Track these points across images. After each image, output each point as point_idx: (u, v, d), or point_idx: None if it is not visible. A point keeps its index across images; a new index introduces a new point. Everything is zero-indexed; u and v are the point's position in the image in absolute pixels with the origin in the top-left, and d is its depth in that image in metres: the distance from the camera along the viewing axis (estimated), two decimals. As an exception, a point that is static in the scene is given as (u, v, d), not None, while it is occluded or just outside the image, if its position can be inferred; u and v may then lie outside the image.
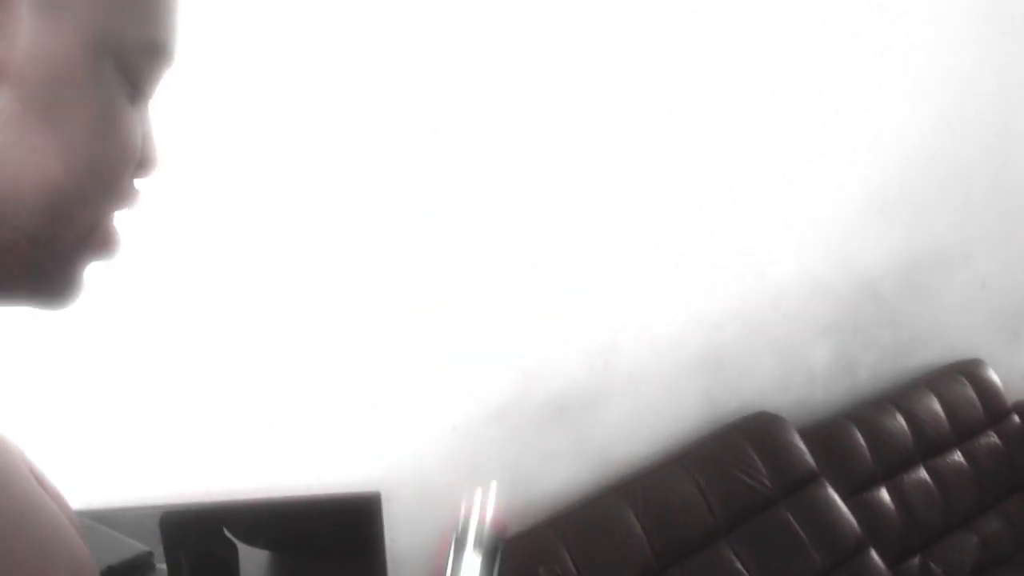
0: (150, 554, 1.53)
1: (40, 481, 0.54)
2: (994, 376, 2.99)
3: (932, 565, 2.45)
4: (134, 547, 1.54)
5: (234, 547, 1.51)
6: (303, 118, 1.63)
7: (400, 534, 1.77)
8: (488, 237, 1.90)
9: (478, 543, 0.77)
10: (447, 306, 1.86)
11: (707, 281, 2.33)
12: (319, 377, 1.71)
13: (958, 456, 2.75)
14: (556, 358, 2.05)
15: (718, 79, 2.24)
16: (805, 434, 2.44)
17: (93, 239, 0.50)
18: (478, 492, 0.80)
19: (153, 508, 1.47)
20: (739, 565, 2.12)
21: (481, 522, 0.77)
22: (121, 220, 0.51)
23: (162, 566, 1.53)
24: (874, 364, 2.82)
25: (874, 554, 2.33)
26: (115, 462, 1.53)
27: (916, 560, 2.46)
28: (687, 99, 2.19)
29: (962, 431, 2.79)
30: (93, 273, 0.50)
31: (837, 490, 2.38)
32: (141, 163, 0.52)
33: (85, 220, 0.48)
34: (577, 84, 1.97)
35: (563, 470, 2.10)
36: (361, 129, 1.69)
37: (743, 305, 2.43)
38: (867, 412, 2.64)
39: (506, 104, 1.87)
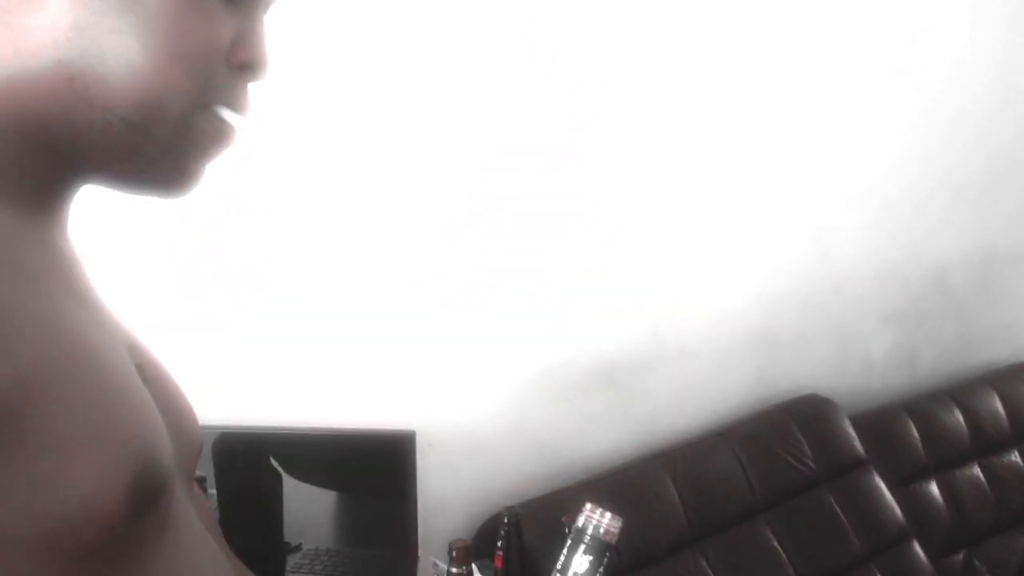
0: (203, 478, 1.61)
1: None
2: (1063, 379, 2.91)
3: (977, 563, 2.41)
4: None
5: (279, 476, 1.59)
6: (358, 74, 1.67)
7: (440, 479, 1.83)
8: (547, 201, 1.92)
9: (590, 547, 0.83)
10: (504, 267, 1.89)
11: (768, 258, 2.32)
12: (377, 324, 1.76)
13: (1015, 457, 2.69)
14: (607, 324, 2.07)
15: (788, 54, 2.22)
16: (856, 421, 2.42)
17: (197, 131, 0.52)
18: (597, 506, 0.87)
19: (208, 428, 1.54)
20: (775, 543, 2.12)
21: (597, 528, 0.83)
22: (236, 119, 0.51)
23: (213, 491, 1.62)
24: (936, 357, 2.77)
25: (916, 546, 2.30)
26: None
27: (961, 556, 2.42)
28: (760, 73, 2.17)
29: (1022, 432, 2.72)
30: (212, 166, 0.52)
31: (885, 479, 2.35)
32: (245, 63, 0.53)
33: (176, 108, 0.50)
34: (649, 55, 1.98)
35: (606, 435, 2.12)
36: (415, 85, 1.73)
37: (804, 285, 2.41)
38: (923, 404, 2.60)
39: (573, 66, 1.89)
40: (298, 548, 1.62)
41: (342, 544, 1.61)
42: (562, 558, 0.77)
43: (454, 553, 1.30)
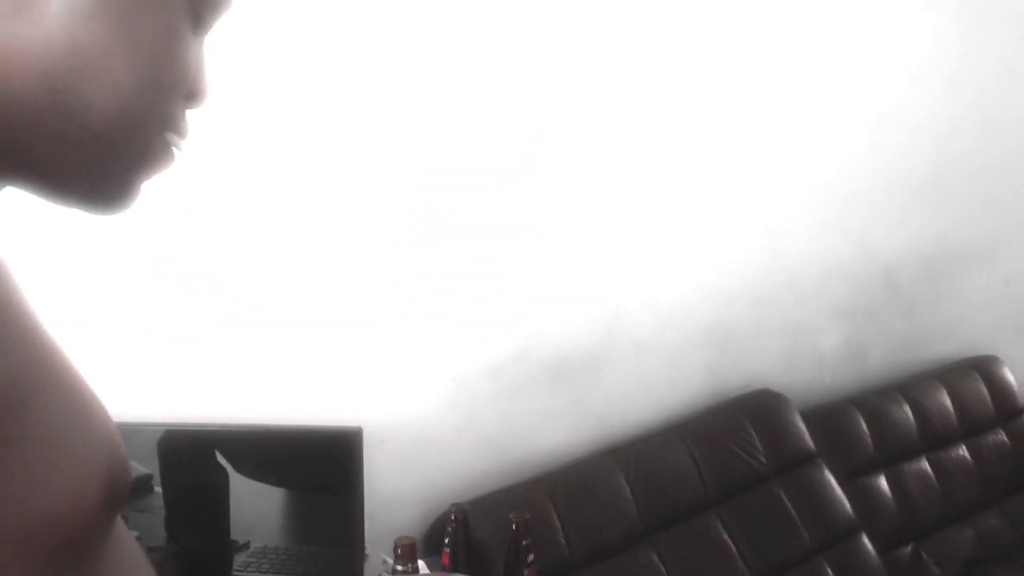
0: (149, 476, 1.59)
1: None
2: (1010, 375, 2.96)
3: (924, 555, 2.45)
4: (134, 468, 1.60)
5: (226, 473, 1.57)
6: (323, 55, 1.66)
7: (391, 476, 1.82)
8: (498, 197, 1.92)
9: None
10: (454, 261, 1.89)
11: (720, 255, 2.34)
12: (320, 318, 1.75)
13: (963, 451, 2.74)
14: (559, 319, 2.07)
15: (740, 51, 2.23)
16: (807, 416, 2.45)
17: (152, 154, 0.54)
18: None
19: (152, 426, 1.53)
20: (726, 537, 2.15)
21: None
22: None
23: (159, 489, 1.60)
24: (886, 353, 2.81)
25: (865, 539, 2.34)
26: (117, 378, 1.58)
27: (908, 549, 2.46)
28: (711, 72, 2.19)
29: (970, 426, 2.77)
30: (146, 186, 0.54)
31: (834, 473, 2.39)
32: (193, 93, 0.55)
33: (146, 131, 0.52)
34: (594, 52, 1.99)
35: (558, 430, 2.13)
36: (374, 77, 1.72)
37: (755, 281, 2.44)
38: (873, 399, 2.63)
39: (519, 64, 1.89)
40: (246, 546, 1.61)
41: (290, 541, 1.60)
42: None
43: (399, 551, 1.30)
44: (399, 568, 1.29)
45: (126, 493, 0.53)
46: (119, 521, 0.58)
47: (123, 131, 0.50)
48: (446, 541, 1.32)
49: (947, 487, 2.63)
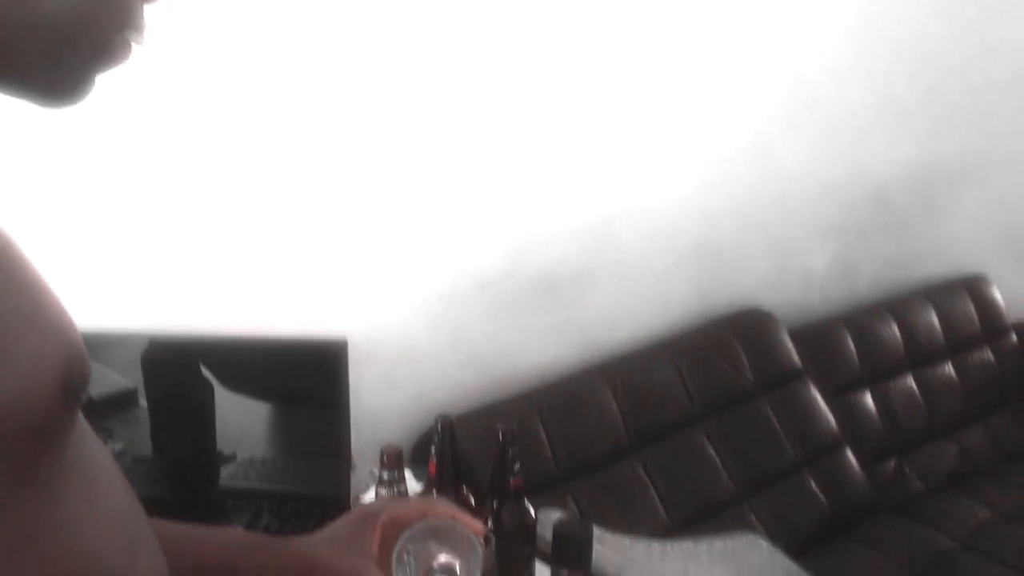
0: (135, 390, 1.58)
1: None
2: (997, 294, 2.97)
3: (907, 469, 2.49)
4: (118, 382, 1.59)
5: (210, 386, 1.56)
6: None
7: (377, 391, 1.82)
8: (488, 109, 1.88)
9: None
10: (442, 175, 1.86)
11: (708, 172, 2.31)
12: (307, 230, 1.73)
13: (949, 368, 2.76)
14: (547, 235, 2.05)
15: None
16: (795, 334, 2.45)
17: (111, 50, 0.52)
18: None
19: (136, 335, 1.51)
20: (711, 450, 2.17)
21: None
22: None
23: (144, 403, 1.59)
24: (875, 272, 2.81)
25: (849, 453, 2.37)
26: (101, 285, 1.56)
27: (892, 463, 2.50)
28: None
29: (956, 344, 2.79)
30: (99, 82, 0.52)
31: (820, 390, 2.40)
32: None
33: (104, 26, 0.50)
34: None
35: (545, 347, 2.12)
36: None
37: (745, 199, 2.41)
38: (861, 317, 2.64)
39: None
40: (232, 457, 1.61)
41: (277, 453, 1.61)
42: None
43: (385, 458, 1.30)
44: (385, 476, 1.29)
45: (83, 384, 0.53)
46: (83, 423, 0.59)
47: (80, 23, 0.49)
48: (432, 452, 1.32)
49: (932, 404, 2.65)
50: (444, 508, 0.85)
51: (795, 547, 2.06)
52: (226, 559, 0.80)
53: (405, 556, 0.79)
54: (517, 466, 1.29)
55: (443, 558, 0.78)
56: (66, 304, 0.54)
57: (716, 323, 2.37)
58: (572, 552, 1.32)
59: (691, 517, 2.04)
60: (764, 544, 1.94)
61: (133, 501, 0.63)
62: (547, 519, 1.42)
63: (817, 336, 2.52)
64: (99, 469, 0.59)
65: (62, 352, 0.50)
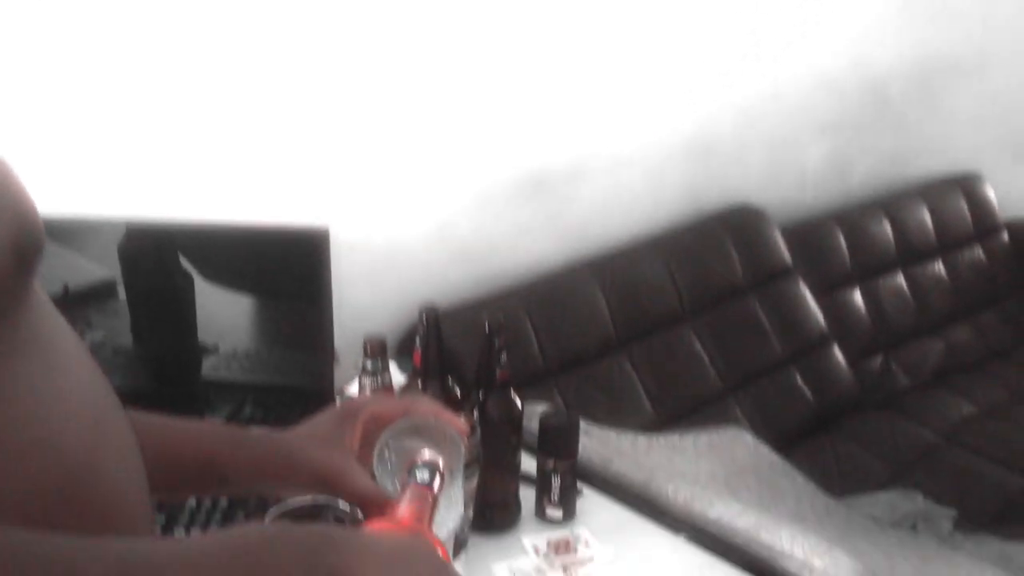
0: (112, 281, 1.55)
1: None
2: (991, 192, 2.94)
3: (893, 365, 2.50)
4: (96, 273, 1.56)
5: (190, 277, 1.52)
6: None
7: (362, 286, 1.79)
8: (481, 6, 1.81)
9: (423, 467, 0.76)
10: (432, 69, 1.79)
11: (704, 67, 2.24)
12: (293, 115, 1.67)
13: (939, 266, 2.75)
14: (538, 129, 1.99)
15: None
16: (786, 231, 2.43)
17: None
18: None
19: (112, 223, 1.47)
20: (699, 347, 2.16)
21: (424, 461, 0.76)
22: None
23: (122, 298, 1.55)
24: (869, 169, 2.77)
25: (836, 350, 2.37)
26: (77, 170, 1.51)
27: (878, 360, 2.50)
28: None
29: (947, 242, 2.77)
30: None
31: (810, 288, 2.39)
32: None
33: None
34: None
35: (534, 242, 2.09)
36: None
37: (741, 95, 2.35)
38: (853, 214, 2.62)
39: None
40: (215, 349, 1.58)
41: (260, 345, 1.58)
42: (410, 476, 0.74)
43: (368, 347, 1.27)
44: (368, 366, 1.27)
45: (36, 253, 0.52)
46: (44, 300, 0.57)
47: None
48: (417, 342, 1.30)
49: (921, 301, 2.65)
50: (427, 406, 0.83)
51: (780, 442, 2.08)
52: (203, 452, 0.78)
53: (386, 453, 0.77)
54: (504, 357, 1.27)
55: (426, 454, 0.76)
56: (19, 175, 0.53)
57: (707, 220, 2.34)
58: (558, 443, 1.32)
59: (677, 412, 2.05)
60: (749, 438, 1.95)
61: (100, 383, 0.60)
62: (533, 412, 1.41)
63: (808, 233, 2.50)
64: (61, 346, 0.56)
65: (13, 221, 0.49)
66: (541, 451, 1.32)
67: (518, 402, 1.30)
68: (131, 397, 0.64)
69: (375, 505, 0.74)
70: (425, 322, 1.28)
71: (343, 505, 0.88)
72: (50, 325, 0.56)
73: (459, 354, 1.62)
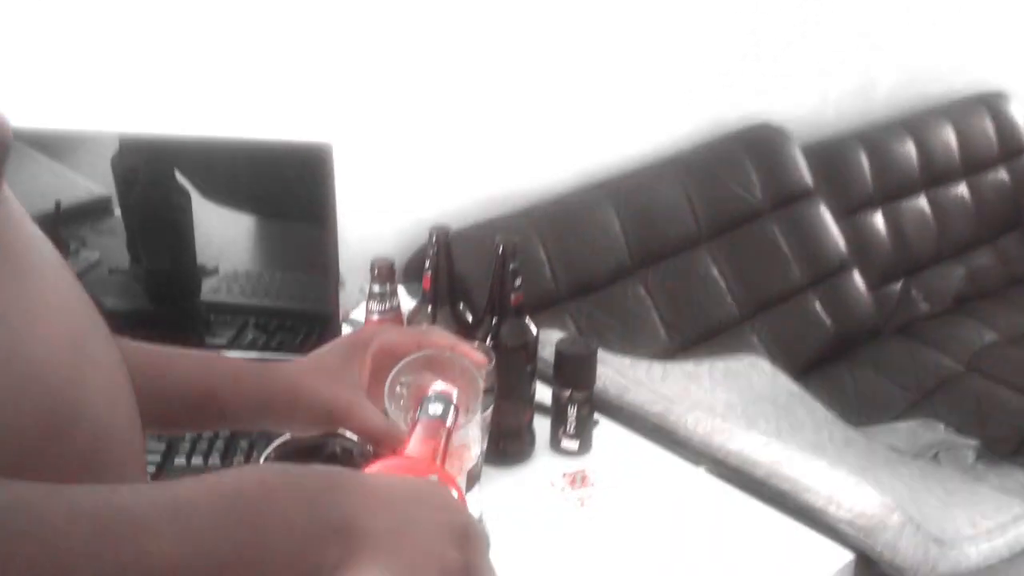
0: (107, 198, 1.48)
1: None
2: (1017, 113, 2.83)
3: (913, 291, 2.43)
4: (90, 189, 1.49)
5: (187, 194, 1.45)
6: None
7: (367, 205, 1.71)
8: None
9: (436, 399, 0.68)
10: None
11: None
12: (295, 25, 1.57)
13: (962, 189, 2.66)
14: (546, 47, 1.89)
15: None
16: (808, 151, 2.33)
17: None
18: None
19: (105, 136, 1.39)
20: (715, 271, 2.09)
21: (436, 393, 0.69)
22: None
23: (119, 213, 1.48)
24: (894, 87, 2.66)
25: (856, 275, 2.30)
26: (69, 82, 1.43)
27: (898, 285, 2.44)
28: None
29: (972, 164, 2.68)
30: None
31: (831, 210, 2.31)
32: None
33: None
34: None
35: (547, 161, 2.00)
36: None
37: (760, 8, 2.23)
38: (877, 134, 2.52)
39: None
40: (214, 271, 1.52)
41: (262, 267, 1.52)
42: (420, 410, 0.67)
43: (376, 271, 1.21)
44: (376, 289, 1.20)
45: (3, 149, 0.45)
46: (15, 206, 0.50)
47: None
48: (426, 265, 1.23)
49: (943, 225, 2.58)
50: (442, 337, 0.76)
51: (797, 369, 2.03)
52: (200, 384, 0.72)
53: (398, 388, 0.71)
54: (518, 281, 1.20)
55: (439, 385, 0.70)
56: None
57: (726, 139, 2.24)
58: (576, 372, 1.26)
59: (692, 339, 1.99)
60: (767, 365, 1.90)
61: (85, 307, 0.53)
62: (548, 339, 1.34)
63: (830, 153, 2.40)
64: (37, 263, 0.49)
65: None
66: (557, 380, 1.26)
67: (533, 329, 1.23)
68: (128, 319, 0.58)
69: (387, 443, 0.68)
70: (436, 244, 1.21)
71: (350, 435, 0.82)
72: (24, 239, 0.49)
73: (469, 279, 1.55)
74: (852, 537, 1.19)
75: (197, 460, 1.22)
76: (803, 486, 1.23)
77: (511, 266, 1.19)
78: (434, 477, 0.58)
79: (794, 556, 1.11)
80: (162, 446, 1.23)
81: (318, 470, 0.49)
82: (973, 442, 1.84)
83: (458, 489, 0.59)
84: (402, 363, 0.72)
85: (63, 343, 0.48)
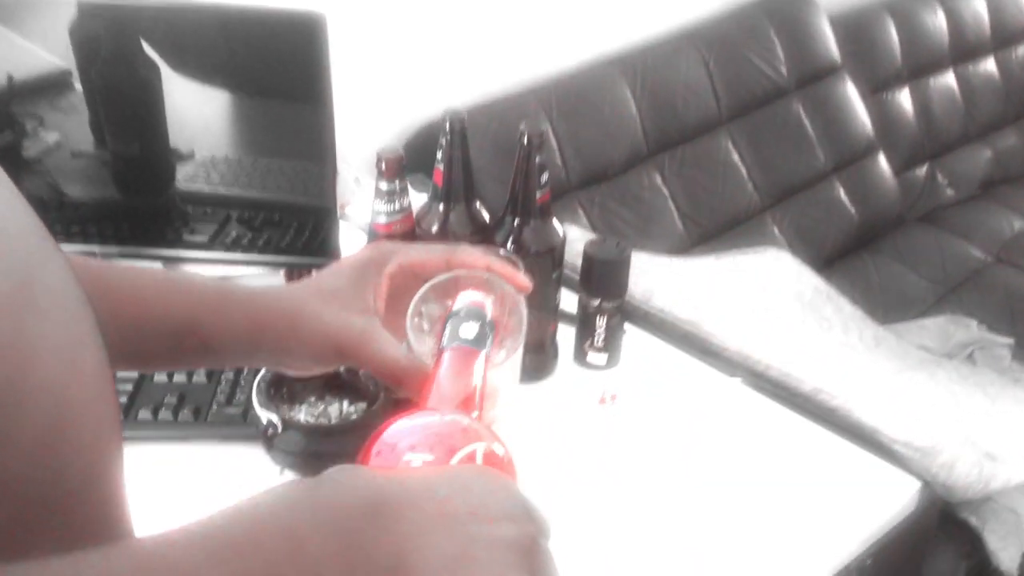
0: (68, 72, 1.30)
1: None
2: (1052, -18, 2.64)
3: (939, 176, 2.30)
4: (48, 62, 1.31)
5: (156, 67, 1.27)
6: None
7: (363, 82, 1.53)
8: None
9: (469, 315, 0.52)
10: None
11: None
12: None
13: (991, 65, 2.50)
14: None
15: None
16: (835, 22, 2.14)
17: None
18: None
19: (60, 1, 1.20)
20: (735, 156, 1.94)
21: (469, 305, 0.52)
22: None
23: (80, 87, 1.31)
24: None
25: (883, 158, 2.15)
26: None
27: (924, 169, 2.30)
28: None
29: (1002, 38, 2.52)
30: None
31: (858, 87, 2.14)
32: None
33: None
34: None
35: (557, 33, 1.80)
36: None
37: None
38: (906, 4, 2.33)
39: None
40: (190, 156, 1.35)
41: (243, 153, 1.34)
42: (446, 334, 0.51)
43: (383, 165, 1.04)
44: (383, 186, 1.04)
45: None
46: None
47: None
48: (438, 156, 1.07)
49: (970, 103, 2.43)
50: (475, 255, 0.60)
51: (819, 262, 1.90)
52: (180, 310, 0.58)
53: (420, 319, 0.57)
54: (545, 177, 1.05)
55: (470, 295, 0.56)
56: None
57: (749, 9, 2.04)
58: (606, 279, 1.12)
59: (711, 231, 1.86)
60: (791, 259, 1.76)
61: (27, 219, 0.38)
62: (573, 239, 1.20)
63: (859, 24, 2.22)
64: None
65: None
66: (585, 288, 1.12)
67: (560, 231, 1.09)
68: (95, 210, 0.43)
69: (408, 383, 0.54)
70: (450, 131, 1.05)
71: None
72: None
73: (481, 169, 1.39)
74: (906, 458, 1.09)
75: (179, 378, 1.08)
76: (854, 404, 1.12)
77: (537, 159, 1.03)
78: (480, 446, 0.44)
79: (851, 481, 1.00)
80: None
81: (351, 492, 0.36)
82: (1008, 340, 1.74)
83: (505, 453, 0.45)
84: (427, 286, 0.58)
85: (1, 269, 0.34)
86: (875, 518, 0.97)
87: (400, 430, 0.44)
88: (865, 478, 1.00)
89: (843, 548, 0.94)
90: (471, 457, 0.43)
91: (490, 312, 0.55)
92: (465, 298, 0.56)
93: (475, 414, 0.48)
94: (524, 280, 0.62)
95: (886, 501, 0.99)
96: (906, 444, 1.09)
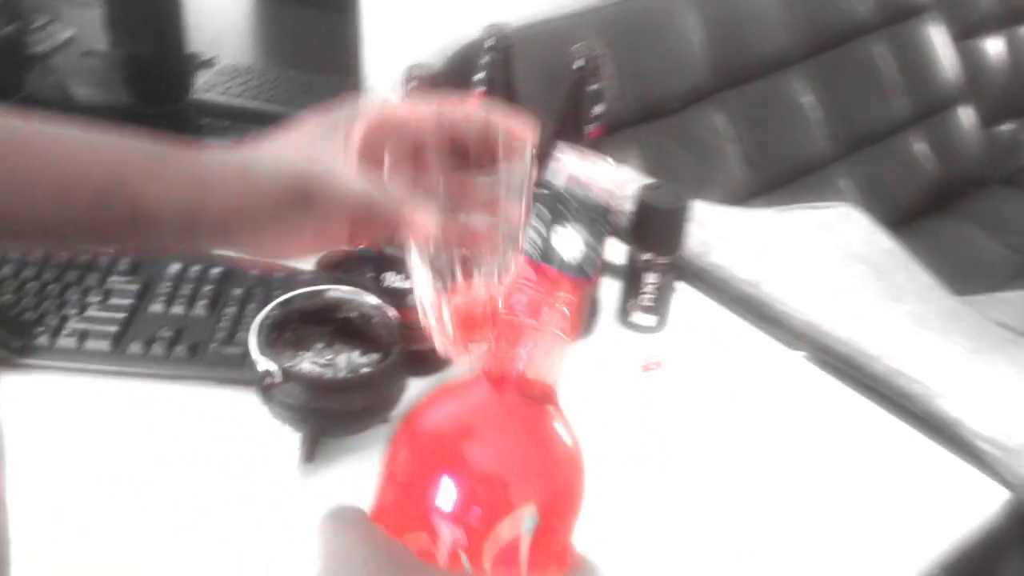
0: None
1: None
2: None
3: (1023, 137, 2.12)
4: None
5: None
6: None
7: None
8: None
9: (578, 214, 0.36)
10: None
11: None
12: None
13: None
14: None
15: None
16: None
17: None
18: None
19: None
20: (807, 99, 1.78)
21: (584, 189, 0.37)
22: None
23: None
24: None
25: (968, 111, 1.98)
26: None
27: (1012, 125, 2.12)
28: None
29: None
30: None
31: (947, 30, 1.96)
32: None
33: None
34: None
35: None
36: None
37: None
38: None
39: None
40: (210, 62, 1.25)
41: (267, 62, 1.24)
42: (538, 235, 0.35)
43: (415, 83, 0.91)
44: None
45: None
46: None
47: None
48: (480, 76, 0.93)
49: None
50: (469, 108, 0.50)
51: (890, 221, 1.74)
52: (105, 167, 0.48)
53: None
54: (599, 108, 0.91)
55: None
56: None
57: (834, -65, 1.86)
58: (660, 230, 0.98)
59: (774, 179, 1.71)
60: (862, 217, 1.61)
61: None
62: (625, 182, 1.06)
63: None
64: None
65: None
66: (635, 239, 0.99)
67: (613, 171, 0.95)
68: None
69: (383, 215, 0.47)
70: (494, 51, 0.91)
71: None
72: None
73: (527, 97, 1.25)
74: (992, 458, 0.95)
75: (177, 310, 0.97)
76: (937, 390, 0.98)
77: (592, 88, 0.90)
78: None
79: (926, 480, 0.87)
80: (134, 287, 0.98)
81: None
82: (1098, 321, 1.58)
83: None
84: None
85: None
86: (952, 525, 0.85)
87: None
88: (942, 478, 0.88)
89: (910, 556, 0.82)
90: None
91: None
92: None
93: None
94: (529, 131, 0.49)
95: (966, 506, 0.86)
96: (992, 441, 0.95)
